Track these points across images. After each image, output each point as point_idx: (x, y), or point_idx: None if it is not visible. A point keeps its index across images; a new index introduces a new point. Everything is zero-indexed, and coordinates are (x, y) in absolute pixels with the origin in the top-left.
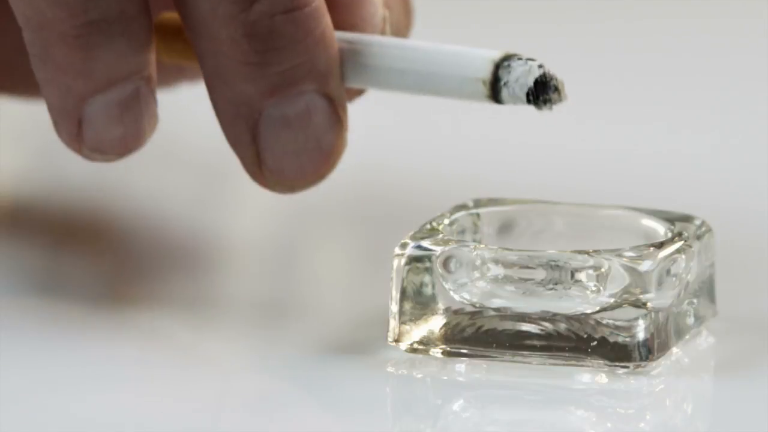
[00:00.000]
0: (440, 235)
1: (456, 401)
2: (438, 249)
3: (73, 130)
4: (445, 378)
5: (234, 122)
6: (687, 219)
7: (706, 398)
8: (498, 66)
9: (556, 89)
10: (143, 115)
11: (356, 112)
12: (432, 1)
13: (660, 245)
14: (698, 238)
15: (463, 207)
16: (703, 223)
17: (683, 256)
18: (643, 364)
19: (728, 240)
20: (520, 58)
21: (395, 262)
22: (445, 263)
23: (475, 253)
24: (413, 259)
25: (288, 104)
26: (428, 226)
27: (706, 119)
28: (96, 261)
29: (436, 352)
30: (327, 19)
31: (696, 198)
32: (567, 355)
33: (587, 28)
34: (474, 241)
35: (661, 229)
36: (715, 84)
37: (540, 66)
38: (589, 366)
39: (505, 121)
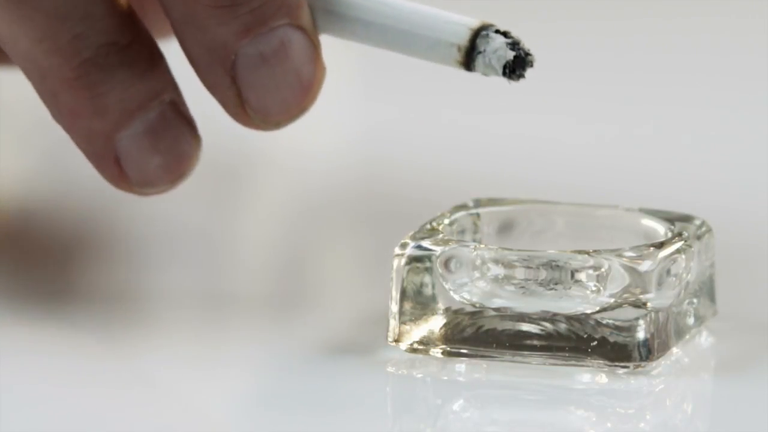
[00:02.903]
0: (440, 235)
1: (456, 401)
2: (438, 249)
3: (115, 171)
4: (445, 378)
5: (210, 67)
6: (687, 219)
7: (706, 398)
8: (476, 34)
9: (531, 65)
10: (178, 139)
11: (356, 112)
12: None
13: (660, 245)
14: (698, 238)
15: (463, 207)
16: (703, 223)
17: (683, 256)
18: (643, 364)
19: (728, 240)
20: (498, 30)
21: (395, 262)
22: (446, 263)
23: (475, 253)
24: (413, 259)
25: (263, 41)
26: (428, 226)
27: (706, 119)
28: (103, 261)
29: (436, 352)
30: None
31: (696, 198)
32: (567, 355)
33: (587, 27)
34: (474, 241)
35: (661, 229)
36: (714, 84)
37: (518, 42)
38: (589, 366)
39: (505, 121)
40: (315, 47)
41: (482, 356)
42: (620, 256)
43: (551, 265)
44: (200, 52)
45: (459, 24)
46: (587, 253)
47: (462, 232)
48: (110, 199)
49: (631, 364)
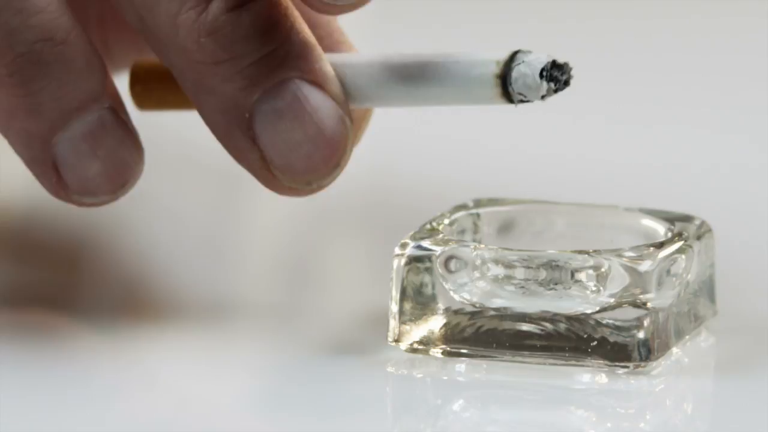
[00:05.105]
0: (440, 235)
1: (456, 401)
2: (438, 249)
3: (53, 176)
4: (445, 378)
5: (229, 131)
6: (687, 219)
7: (706, 398)
8: (516, 52)
9: (570, 77)
10: (119, 147)
11: None
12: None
13: (660, 245)
14: (698, 238)
15: (463, 207)
16: (703, 223)
17: (683, 256)
18: (643, 364)
19: (728, 240)
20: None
21: (395, 262)
22: (446, 263)
23: (475, 253)
24: (413, 259)
25: (275, 96)
26: (428, 226)
27: (707, 119)
28: (106, 263)
29: (436, 352)
30: (290, 7)
31: (696, 198)
32: (567, 355)
33: (586, 28)
34: (474, 241)
35: (661, 229)
36: (714, 84)
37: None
38: (589, 366)
39: (505, 121)
40: (335, 100)
41: (482, 356)
42: (620, 256)
43: (551, 265)
44: (216, 118)
45: (493, 51)
46: (587, 253)
47: (462, 232)
48: (114, 203)
49: (631, 364)
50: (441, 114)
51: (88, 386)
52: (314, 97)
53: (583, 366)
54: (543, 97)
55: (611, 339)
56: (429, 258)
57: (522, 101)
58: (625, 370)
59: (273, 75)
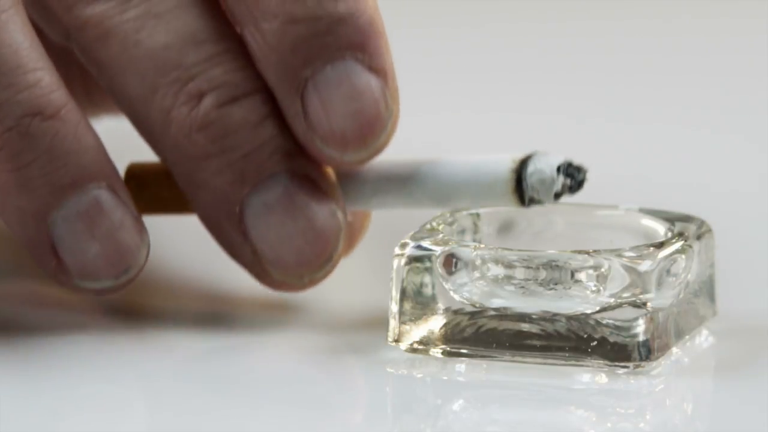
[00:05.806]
0: (440, 235)
1: (456, 401)
2: (438, 249)
3: (52, 260)
4: (445, 378)
5: (220, 226)
6: (687, 219)
7: (706, 398)
8: (533, 153)
9: (585, 179)
10: (118, 228)
11: None
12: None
13: (660, 245)
14: (698, 238)
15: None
16: (703, 223)
17: (683, 256)
18: (643, 364)
19: (728, 240)
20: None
21: (395, 262)
22: (446, 263)
23: (475, 253)
24: (413, 259)
25: (264, 190)
26: (428, 226)
27: (706, 119)
28: None
29: (436, 352)
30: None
31: (696, 198)
32: (567, 355)
33: (586, 28)
34: (474, 241)
35: (661, 229)
36: (714, 84)
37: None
38: (589, 366)
39: (505, 122)
40: (324, 194)
41: (482, 356)
42: (620, 256)
43: (551, 265)
44: (209, 214)
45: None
46: (587, 253)
47: (462, 232)
48: None
49: (631, 364)
50: (440, 114)
51: (86, 387)
52: (304, 190)
53: (583, 366)
54: (557, 196)
55: (611, 339)
56: (429, 258)
57: (533, 200)
58: (625, 370)
59: (263, 169)
